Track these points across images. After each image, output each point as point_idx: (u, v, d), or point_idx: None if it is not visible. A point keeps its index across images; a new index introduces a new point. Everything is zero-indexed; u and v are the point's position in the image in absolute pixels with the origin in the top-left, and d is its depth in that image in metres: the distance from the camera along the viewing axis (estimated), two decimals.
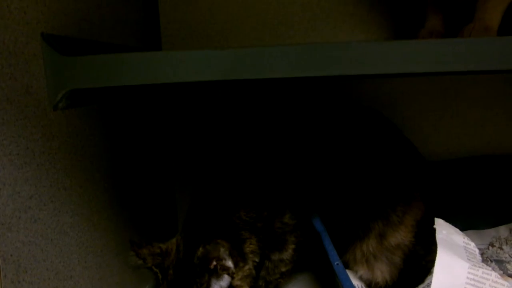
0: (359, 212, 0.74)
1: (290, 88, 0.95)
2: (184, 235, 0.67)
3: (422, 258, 0.78)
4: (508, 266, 0.78)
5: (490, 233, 0.90)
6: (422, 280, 0.81)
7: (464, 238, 0.62)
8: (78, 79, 0.53)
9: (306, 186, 0.72)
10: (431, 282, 0.59)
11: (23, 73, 0.50)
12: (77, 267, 0.60)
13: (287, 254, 0.73)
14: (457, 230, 0.63)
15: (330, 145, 0.75)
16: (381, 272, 0.77)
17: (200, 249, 0.58)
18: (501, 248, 0.86)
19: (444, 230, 0.62)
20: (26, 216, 0.49)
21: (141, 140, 0.88)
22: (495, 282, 0.57)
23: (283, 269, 0.74)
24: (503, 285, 0.57)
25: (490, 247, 0.87)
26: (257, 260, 0.69)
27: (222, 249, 0.60)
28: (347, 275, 0.53)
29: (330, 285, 0.76)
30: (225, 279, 0.62)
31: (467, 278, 0.57)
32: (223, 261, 0.61)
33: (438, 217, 0.81)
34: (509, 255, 0.84)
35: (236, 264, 0.63)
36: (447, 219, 0.68)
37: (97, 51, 0.65)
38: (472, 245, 0.61)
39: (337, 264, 0.56)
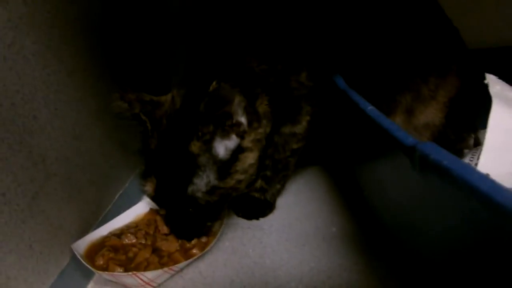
0: (385, 82, 0.63)
1: None
2: (183, 86, 0.54)
3: (453, 144, 0.68)
4: None
5: None
6: None
7: None
8: None
9: (328, 42, 0.60)
10: None
11: None
12: (43, 108, 0.47)
13: (300, 128, 0.61)
14: None
15: (358, 1, 0.62)
16: None
17: (214, 84, 0.45)
18: None
19: (497, 86, 0.50)
20: None
21: None
22: None
23: (294, 146, 0.62)
24: None
25: None
26: (268, 129, 0.56)
27: (238, 99, 0.48)
28: (383, 115, 0.42)
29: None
30: (233, 140, 0.50)
31: None
32: (236, 115, 0.49)
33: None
34: None
35: (249, 123, 0.51)
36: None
37: None
38: None
39: (370, 109, 0.45)
